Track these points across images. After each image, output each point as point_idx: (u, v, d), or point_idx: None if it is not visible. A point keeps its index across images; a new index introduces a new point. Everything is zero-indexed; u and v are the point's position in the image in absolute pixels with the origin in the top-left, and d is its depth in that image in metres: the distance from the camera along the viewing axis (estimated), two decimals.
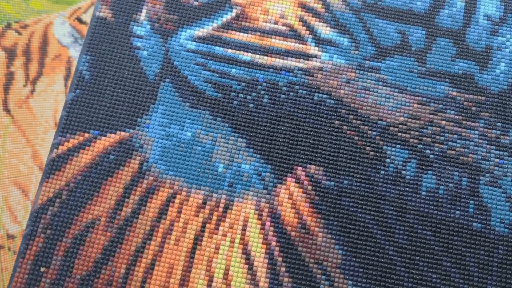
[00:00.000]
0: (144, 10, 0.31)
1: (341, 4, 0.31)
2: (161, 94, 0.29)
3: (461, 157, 0.29)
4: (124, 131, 0.28)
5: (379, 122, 0.29)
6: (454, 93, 0.30)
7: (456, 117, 0.29)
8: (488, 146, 0.29)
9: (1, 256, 0.39)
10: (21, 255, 0.26)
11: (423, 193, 0.28)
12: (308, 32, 0.31)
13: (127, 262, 0.26)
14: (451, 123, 0.29)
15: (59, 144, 0.28)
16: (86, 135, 0.28)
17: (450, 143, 0.29)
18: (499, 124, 0.29)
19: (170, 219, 0.27)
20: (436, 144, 0.29)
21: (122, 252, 0.27)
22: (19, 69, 0.43)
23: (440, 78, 0.30)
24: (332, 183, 0.28)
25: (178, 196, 0.28)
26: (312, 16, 0.31)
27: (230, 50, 0.30)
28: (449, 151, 0.29)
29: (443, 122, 0.29)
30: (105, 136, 0.28)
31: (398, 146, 0.29)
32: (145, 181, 0.28)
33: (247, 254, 0.27)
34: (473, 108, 0.29)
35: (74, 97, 0.29)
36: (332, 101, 0.29)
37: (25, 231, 0.27)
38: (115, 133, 0.28)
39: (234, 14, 0.31)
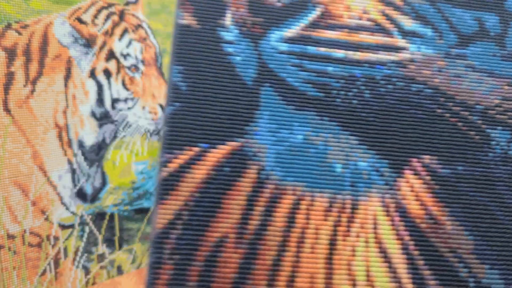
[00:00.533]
0: (228, 15, 0.29)
1: None
2: (263, 99, 0.28)
3: None
4: (233, 141, 0.27)
5: (477, 106, 0.29)
6: None
7: None
8: None
9: (1, 256, 0.38)
10: (151, 286, 0.24)
11: None
12: (392, 25, 0.31)
13: (266, 278, 0.25)
14: None
15: (168, 162, 0.26)
16: (195, 149, 0.26)
17: None
18: None
19: (301, 226, 0.26)
20: None
21: (258, 268, 0.25)
22: (19, 69, 0.42)
23: None
24: (448, 171, 0.28)
25: (303, 202, 0.26)
26: (393, 10, 0.31)
27: (322, 49, 0.29)
28: None
29: None
30: (215, 148, 0.26)
31: (499, 128, 0.29)
32: (266, 190, 0.26)
33: (383, 252, 0.26)
34: None
35: (174, 111, 0.27)
36: (429, 90, 0.29)
37: (149, 260, 0.24)
38: (225, 144, 0.27)
39: (318, 13, 0.30)
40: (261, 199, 0.26)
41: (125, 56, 0.49)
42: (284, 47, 0.29)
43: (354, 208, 0.26)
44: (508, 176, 0.28)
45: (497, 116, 0.29)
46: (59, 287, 0.43)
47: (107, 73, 0.48)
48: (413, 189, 0.27)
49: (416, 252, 0.26)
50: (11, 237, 0.40)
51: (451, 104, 0.29)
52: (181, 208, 0.25)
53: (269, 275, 0.25)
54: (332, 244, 0.26)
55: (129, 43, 0.49)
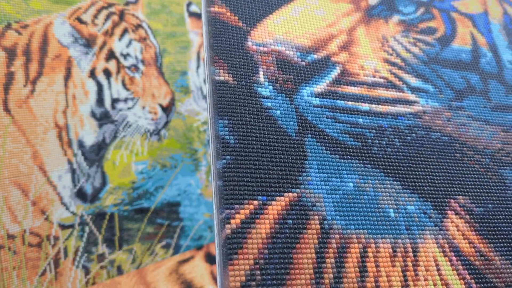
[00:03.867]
0: (261, 72, 0.29)
1: (413, 58, 0.34)
2: (309, 149, 0.27)
3: None
4: (290, 191, 0.25)
5: (485, 150, 0.31)
6: None
7: None
8: None
9: (1, 256, 0.38)
10: None
11: None
12: (401, 82, 0.32)
13: None
14: None
15: (230, 218, 0.23)
16: (255, 202, 0.24)
17: None
18: None
19: (373, 275, 0.24)
20: None
21: None
22: (19, 69, 0.41)
23: (505, 110, 0.34)
24: (481, 209, 0.28)
25: (369, 250, 0.24)
26: (398, 69, 0.33)
27: (350, 102, 0.30)
28: None
29: None
30: (274, 200, 0.24)
31: (508, 168, 0.31)
32: (333, 240, 0.24)
33: None
34: None
35: (225, 164, 0.24)
36: (445, 138, 0.31)
37: None
38: (282, 196, 0.25)
39: (339, 71, 0.31)
40: (330, 250, 0.24)
41: (125, 56, 0.47)
42: (316, 101, 0.29)
43: (415, 251, 0.25)
44: None
45: (503, 158, 0.31)
46: (59, 287, 0.41)
47: (107, 73, 0.46)
48: (458, 228, 0.27)
49: None
50: (11, 237, 0.39)
51: (465, 149, 0.31)
52: (252, 268, 0.22)
53: None
54: None
55: (129, 43, 0.48)
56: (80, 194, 0.43)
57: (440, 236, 0.26)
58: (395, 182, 0.27)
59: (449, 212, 0.28)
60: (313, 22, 0.33)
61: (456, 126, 0.32)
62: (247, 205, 0.24)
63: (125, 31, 0.48)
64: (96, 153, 0.45)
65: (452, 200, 0.28)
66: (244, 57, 0.29)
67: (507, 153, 0.32)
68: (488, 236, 0.27)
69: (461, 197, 0.28)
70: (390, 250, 0.25)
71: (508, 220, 0.29)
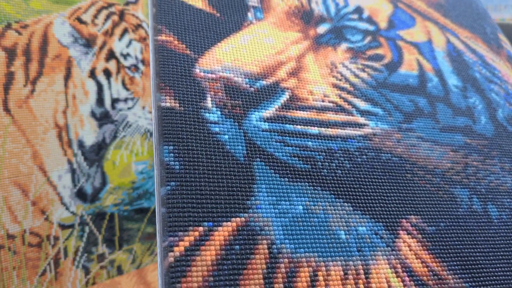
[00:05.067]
0: (209, 98, 0.28)
1: (362, 83, 0.35)
2: (258, 173, 0.26)
3: (500, 187, 0.32)
4: (237, 216, 0.24)
5: (436, 170, 0.31)
6: (468, 140, 0.34)
7: (479, 157, 0.34)
8: (510, 175, 0.33)
9: (1, 256, 0.37)
10: None
11: (495, 221, 0.30)
12: (350, 106, 0.33)
13: None
14: (479, 163, 0.33)
15: (173, 246, 0.22)
16: (200, 228, 0.23)
17: (487, 177, 0.33)
18: (505, 158, 0.35)
19: None
20: (481, 180, 0.32)
21: None
22: (19, 69, 0.40)
23: (454, 131, 0.35)
24: (433, 228, 0.28)
25: (319, 273, 0.24)
26: (347, 93, 0.33)
27: (299, 126, 0.30)
28: (490, 184, 0.32)
29: (475, 163, 0.33)
30: (220, 226, 0.23)
31: (458, 187, 0.31)
32: (282, 265, 0.23)
33: None
34: (485, 150, 0.34)
35: (170, 191, 0.24)
36: (396, 158, 0.31)
37: None
38: (229, 221, 0.24)
39: (288, 96, 0.31)
40: (278, 275, 0.23)
41: (125, 56, 0.46)
42: (265, 125, 0.29)
43: (367, 273, 0.25)
44: (479, 227, 0.29)
45: (454, 177, 0.32)
46: (59, 287, 0.41)
47: (107, 73, 0.45)
48: (411, 248, 0.27)
49: None
50: (11, 237, 0.38)
51: (416, 169, 0.31)
52: None
53: None
54: None
55: (129, 43, 0.47)
56: (80, 194, 0.43)
57: (392, 256, 0.26)
58: (345, 204, 0.27)
59: (401, 232, 0.27)
60: (262, 49, 0.33)
61: (407, 147, 0.32)
62: (192, 232, 0.23)
63: (125, 31, 0.48)
64: (96, 153, 0.44)
65: (404, 220, 0.28)
66: (192, 84, 0.28)
67: (457, 172, 0.32)
68: (441, 255, 0.27)
69: (413, 216, 0.28)
70: (341, 272, 0.24)
71: (460, 238, 0.28)
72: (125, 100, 0.46)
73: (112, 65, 0.46)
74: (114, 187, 0.45)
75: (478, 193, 0.31)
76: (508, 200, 0.32)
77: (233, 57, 0.31)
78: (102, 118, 0.45)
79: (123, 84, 0.46)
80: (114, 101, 0.45)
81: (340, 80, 0.34)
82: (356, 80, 0.34)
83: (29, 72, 0.41)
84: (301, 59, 0.34)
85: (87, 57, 0.44)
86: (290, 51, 0.34)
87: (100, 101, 0.44)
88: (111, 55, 0.46)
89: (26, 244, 0.39)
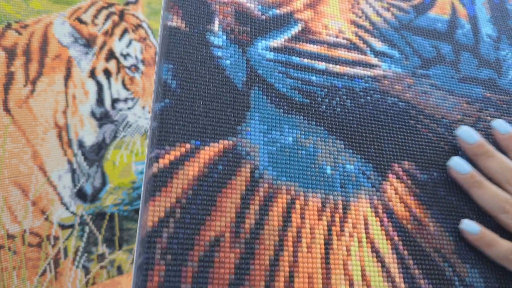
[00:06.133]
0: (216, 22, 0.28)
1: (383, 23, 0.33)
2: (254, 101, 0.26)
3: None
4: (226, 139, 0.25)
5: (443, 120, 0.30)
6: (488, 94, 0.33)
7: (496, 113, 0.32)
8: None
9: (1, 256, 0.37)
10: None
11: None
12: (365, 45, 0.31)
13: (264, 278, 0.22)
14: (494, 118, 0.32)
15: (159, 158, 0.23)
16: (187, 145, 0.24)
17: None
18: None
19: (296, 226, 0.24)
20: (490, 136, 0.31)
21: (256, 268, 0.22)
22: (19, 69, 0.40)
23: (474, 82, 0.33)
24: (425, 176, 0.28)
25: (297, 201, 0.24)
26: (364, 32, 0.32)
27: (305, 60, 0.29)
28: None
29: (489, 118, 0.32)
30: (207, 145, 0.24)
31: None
32: (261, 189, 0.24)
33: (376, 252, 0.25)
34: (504, 106, 0.33)
35: (163, 107, 0.24)
36: (402, 103, 0.30)
37: (137, 261, 0.21)
38: (217, 142, 0.25)
39: (300, 28, 0.30)
40: (256, 197, 0.24)
41: (125, 56, 0.47)
42: (270, 55, 0.28)
43: (345, 208, 0.25)
44: None
45: None
46: (59, 287, 0.41)
47: (107, 73, 0.46)
48: (397, 192, 0.27)
49: (405, 252, 0.25)
50: (11, 237, 0.38)
51: (421, 117, 0.30)
52: (173, 206, 0.22)
53: (267, 275, 0.22)
54: (328, 244, 0.24)
55: (129, 43, 0.47)
56: (80, 194, 0.43)
57: (375, 197, 0.26)
58: (338, 141, 0.27)
59: (390, 175, 0.27)
60: None
61: (417, 93, 0.31)
62: (179, 148, 0.24)
63: (125, 31, 0.47)
64: (96, 153, 0.44)
65: (396, 165, 0.28)
66: (201, 6, 0.28)
67: (466, 125, 0.31)
68: (427, 203, 0.27)
69: (406, 162, 0.28)
70: (319, 204, 0.25)
71: (452, 191, 0.28)
72: (125, 100, 0.46)
73: (112, 65, 0.45)
74: (114, 187, 0.45)
75: None
76: None
77: None
78: (102, 118, 0.44)
79: (123, 84, 0.45)
80: (114, 101, 0.45)
81: (360, 17, 0.32)
82: (377, 19, 0.33)
83: (29, 72, 0.40)
84: None
85: (87, 57, 0.43)
86: None
87: (100, 101, 0.44)
88: (111, 55, 0.45)
89: (26, 244, 0.39)
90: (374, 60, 0.31)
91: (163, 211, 0.22)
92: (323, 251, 0.24)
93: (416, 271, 0.25)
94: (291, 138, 0.26)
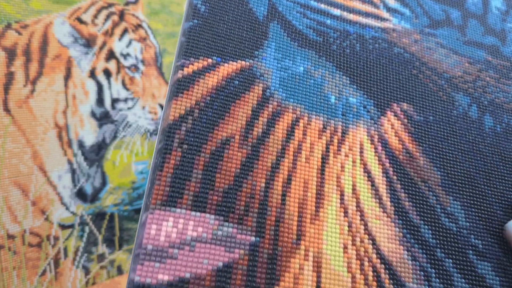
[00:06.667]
0: None
1: None
2: (272, 32, 0.29)
3: (505, 105, 0.33)
4: (244, 60, 0.28)
5: (444, 74, 0.33)
6: (490, 58, 0.35)
7: (495, 75, 0.34)
8: None
9: (1, 256, 0.37)
10: (159, 168, 0.23)
11: (486, 129, 0.32)
12: (379, 0, 0.34)
13: (265, 176, 0.25)
14: (493, 79, 0.34)
15: (184, 66, 0.26)
16: (210, 60, 0.27)
17: (495, 93, 0.33)
18: None
19: (298, 140, 0.27)
20: (487, 94, 0.33)
21: (259, 167, 0.25)
22: (19, 69, 0.40)
23: (478, 46, 0.35)
24: (421, 118, 0.30)
25: (301, 120, 0.27)
26: None
27: (322, 5, 0.32)
28: (496, 100, 0.33)
29: (487, 78, 0.34)
30: (227, 63, 0.27)
31: (461, 93, 0.32)
32: (270, 105, 0.27)
33: (368, 173, 0.27)
34: (504, 70, 0.35)
35: (192, 26, 0.27)
36: (407, 55, 0.32)
37: (158, 146, 0.24)
38: (236, 62, 0.27)
39: None
40: (265, 111, 0.27)
41: (125, 56, 0.47)
42: None
43: (344, 133, 0.28)
44: (468, 131, 0.31)
45: (460, 84, 0.33)
46: (59, 287, 0.41)
47: (107, 73, 0.46)
48: (393, 127, 0.29)
49: (394, 177, 0.28)
50: (11, 237, 0.38)
51: (424, 68, 0.32)
52: (193, 107, 0.25)
53: (268, 175, 0.25)
54: (325, 159, 0.27)
55: (129, 43, 0.48)
56: (80, 194, 0.43)
57: (373, 128, 0.29)
58: (344, 76, 0.30)
59: (389, 112, 0.30)
60: None
61: (422, 48, 0.33)
62: (202, 61, 0.27)
63: (125, 31, 0.47)
64: (96, 153, 0.44)
65: (395, 104, 0.30)
66: None
67: (465, 81, 0.33)
68: (420, 140, 0.29)
69: (405, 103, 0.30)
70: (321, 126, 0.27)
71: (444, 134, 0.30)
72: (125, 100, 0.46)
73: (112, 65, 0.45)
74: (114, 187, 0.45)
75: (480, 103, 0.32)
76: (508, 117, 0.33)
77: None
78: (102, 118, 0.44)
79: (123, 84, 0.46)
80: (114, 101, 0.45)
81: None
82: None
83: (29, 72, 0.40)
84: None
85: (87, 57, 0.44)
86: None
87: (100, 101, 0.44)
88: (111, 55, 0.45)
89: (26, 244, 0.39)
90: (385, 15, 0.33)
91: (183, 110, 0.25)
92: (319, 163, 0.26)
93: (402, 194, 0.27)
94: (302, 68, 0.29)
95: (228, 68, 0.27)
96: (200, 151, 0.24)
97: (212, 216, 0.23)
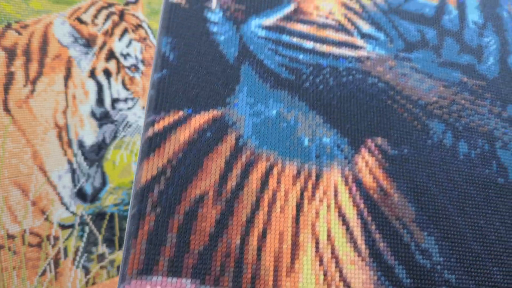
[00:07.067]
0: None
1: (373, 6, 0.34)
2: (243, 75, 0.29)
3: (480, 128, 0.33)
4: (215, 109, 0.27)
5: (419, 101, 0.32)
6: (465, 79, 0.35)
7: (470, 97, 0.34)
8: (496, 119, 0.34)
9: (1, 256, 0.37)
10: (133, 235, 0.23)
11: (461, 156, 0.32)
12: (353, 27, 0.33)
13: (240, 232, 0.25)
14: (468, 102, 0.34)
15: (155, 122, 0.26)
16: (181, 113, 0.26)
17: (470, 117, 0.33)
18: (498, 102, 0.35)
19: (272, 189, 0.27)
20: (462, 118, 0.33)
21: (234, 223, 0.25)
22: (19, 69, 0.40)
23: (453, 67, 0.35)
24: (396, 152, 0.30)
25: (275, 168, 0.27)
26: (354, 14, 0.34)
27: (295, 39, 0.31)
28: (471, 124, 0.33)
29: (463, 101, 0.34)
30: (198, 114, 0.27)
31: (436, 120, 0.32)
32: (244, 155, 0.27)
33: (342, 217, 0.27)
34: (480, 91, 0.35)
35: (161, 77, 0.27)
36: (382, 84, 0.32)
37: (131, 212, 0.24)
38: (207, 111, 0.27)
39: (292, 8, 0.32)
40: (238, 162, 0.26)
41: (125, 56, 0.47)
42: (262, 33, 0.30)
43: (318, 177, 0.28)
44: (442, 160, 0.31)
45: (435, 111, 0.33)
46: (59, 287, 0.41)
47: (107, 73, 0.45)
48: (367, 164, 0.29)
49: (369, 218, 0.28)
50: (11, 237, 0.38)
51: (398, 97, 0.32)
52: (165, 165, 0.25)
53: (243, 230, 0.25)
54: (299, 206, 0.27)
55: (129, 43, 0.47)
56: (80, 194, 0.43)
57: (347, 168, 0.29)
58: (317, 116, 0.29)
59: (363, 149, 0.30)
60: None
61: (397, 75, 0.33)
62: (173, 114, 0.26)
63: (125, 31, 0.46)
64: (96, 153, 0.44)
65: (369, 140, 0.30)
66: None
67: (440, 106, 0.33)
68: (394, 175, 0.29)
69: (379, 138, 0.30)
70: (295, 171, 0.27)
71: (419, 166, 0.30)
72: (125, 100, 0.45)
73: (112, 65, 0.45)
74: (114, 187, 0.45)
75: (454, 129, 0.32)
76: (482, 141, 0.33)
77: None
78: (102, 118, 0.44)
79: (123, 84, 0.45)
80: (114, 101, 0.45)
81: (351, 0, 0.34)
82: (367, 1, 0.34)
83: (29, 72, 0.40)
84: None
85: (87, 57, 0.43)
86: None
87: (100, 101, 0.43)
88: (111, 55, 0.44)
89: (26, 244, 0.38)
90: (359, 42, 0.33)
91: (155, 170, 0.25)
92: (294, 212, 0.26)
93: (377, 235, 0.28)
94: (274, 111, 0.29)
95: (200, 119, 0.27)
96: (174, 213, 0.24)
97: (189, 280, 0.23)
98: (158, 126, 0.26)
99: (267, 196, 0.26)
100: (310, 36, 0.31)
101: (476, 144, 0.32)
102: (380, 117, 0.31)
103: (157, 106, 0.26)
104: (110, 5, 0.46)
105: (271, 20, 0.31)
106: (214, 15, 0.29)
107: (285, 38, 0.31)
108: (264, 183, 0.26)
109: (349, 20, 0.33)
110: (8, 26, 0.40)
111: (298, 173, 0.27)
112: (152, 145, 0.25)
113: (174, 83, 0.27)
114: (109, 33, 0.46)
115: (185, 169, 0.25)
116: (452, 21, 0.37)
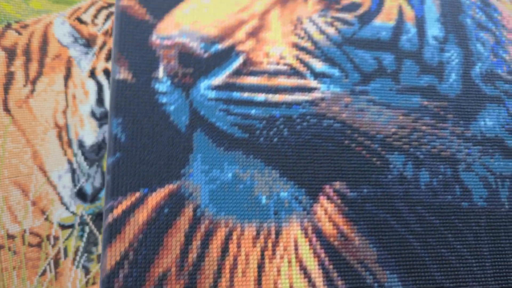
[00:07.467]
0: (161, 67, 0.30)
1: (326, 40, 0.34)
2: (196, 143, 0.29)
3: (442, 153, 0.33)
4: (171, 183, 0.28)
5: (377, 135, 0.33)
6: (425, 102, 0.34)
7: (431, 121, 0.34)
8: (458, 141, 0.34)
9: (1, 256, 0.37)
10: None
11: (422, 187, 0.32)
12: (305, 68, 0.33)
13: None
14: (429, 127, 0.34)
15: (113, 208, 0.27)
16: (137, 194, 0.28)
17: (431, 143, 0.33)
18: (461, 122, 0.34)
19: (233, 254, 0.28)
20: (423, 146, 0.33)
21: None
22: (19, 69, 0.40)
23: (413, 92, 0.34)
24: (355, 194, 0.31)
25: (234, 233, 0.28)
26: (306, 54, 0.33)
27: (246, 94, 0.31)
28: (432, 150, 0.33)
29: (423, 127, 0.34)
30: (154, 191, 0.28)
31: (395, 152, 0.32)
32: (202, 225, 0.28)
33: (304, 270, 0.29)
34: (441, 112, 0.34)
35: (115, 161, 0.28)
36: (338, 124, 0.32)
37: None
38: (163, 187, 0.28)
39: (241, 61, 0.32)
40: (198, 233, 0.28)
41: None
42: (212, 94, 0.31)
43: (278, 233, 0.29)
44: (404, 194, 0.32)
45: (394, 142, 0.33)
46: (59, 287, 0.40)
47: (107, 73, 0.44)
48: (327, 212, 0.30)
49: (331, 267, 0.29)
50: (11, 237, 0.38)
51: (356, 135, 0.32)
52: (127, 249, 0.27)
53: None
54: (261, 267, 0.28)
55: None
56: (80, 194, 0.42)
57: (306, 219, 0.30)
58: (273, 171, 0.30)
59: (321, 197, 0.30)
60: (225, 7, 0.33)
61: (353, 112, 0.33)
62: (129, 197, 0.27)
63: None
64: (96, 153, 0.43)
65: (327, 186, 0.31)
66: (146, 53, 0.30)
67: (399, 137, 0.33)
68: (355, 218, 0.30)
69: (337, 182, 0.31)
70: (254, 233, 0.29)
71: (379, 204, 0.31)
72: None
73: None
74: None
75: (415, 159, 0.33)
76: (444, 165, 0.33)
77: (192, 19, 0.32)
78: (102, 118, 0.42)
79: None
80: None
81: (302, 38, 0.34)
82: (319, 37, 0.34)
83: (29, 72, 0.40)
84: (265, 15, 0.33)
85: (87, 57, 0.43)
86: (255, 6, 0.33)
87: (100, 101, 0.42)
88: (111, 55, 0.42)
89: (26, 244, 0.38)
90: (313, 83, 0.33)
91: (118, 255, 0.26)
92: (256, 274, 0.28)
93: (339, 282, 0.29)
94: (230, 174, 0.29)
95: (157, 196, 0.28)
96: None
97: None
98: (117, 211, 0.27)
99: (228, 262, 0.28)
100: (261, 87, 0.32)
101: (437, 170, 0.33)
102: (337, 160, 0.31)
103: (114, 191, 0.27)
104: (110, 5, 0.46)
105: (220, 78, 0.31)
106: (162, 85, 0.30)
107: (236, 95, 0.31)
108: (224, 250, 0.28)
109: (301, 61, 0.33)
110: (8, 26, 0.40)
111: (258, 233, 0.29)
112: (112, 231, 0.27)
113: (128, 165, 0.28)
114: (109, 33, 0.45)
115: (146, 250, 0.27)
116: (410, 40, 0.36)
